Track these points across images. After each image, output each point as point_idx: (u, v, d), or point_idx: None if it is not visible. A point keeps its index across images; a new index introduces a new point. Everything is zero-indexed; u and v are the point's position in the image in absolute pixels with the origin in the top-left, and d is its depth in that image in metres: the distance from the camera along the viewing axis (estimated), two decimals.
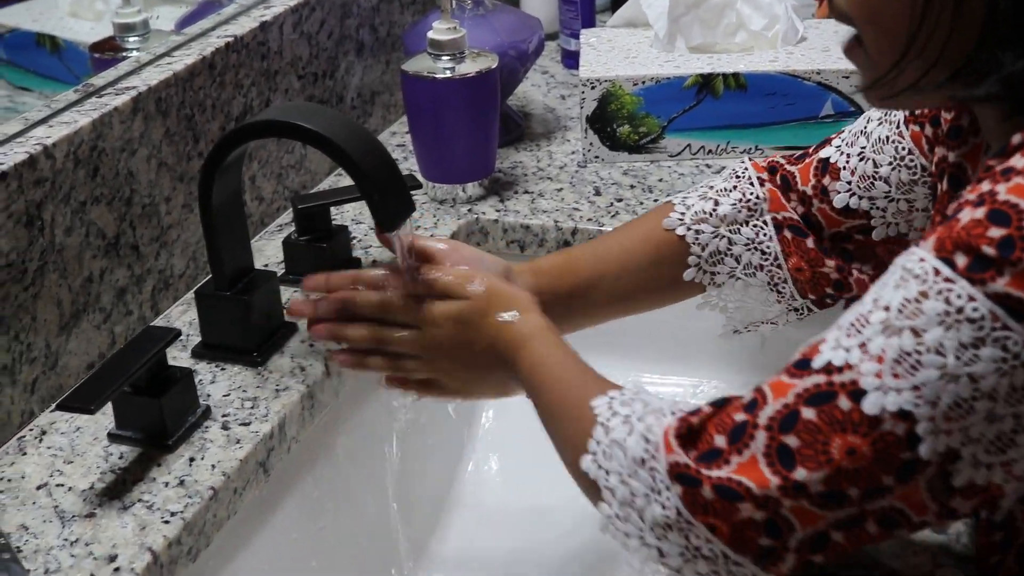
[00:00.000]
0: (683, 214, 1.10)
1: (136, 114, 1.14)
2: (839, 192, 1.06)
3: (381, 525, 1.20)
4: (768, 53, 1.48)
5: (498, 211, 1.37)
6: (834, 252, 1.08)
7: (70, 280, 1.08)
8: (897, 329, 0.69)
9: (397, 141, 1.56)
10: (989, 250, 0.67)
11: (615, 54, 1.51)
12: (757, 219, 1.09)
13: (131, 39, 1.32)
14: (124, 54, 1.29)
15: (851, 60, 0.83)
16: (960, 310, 0.67)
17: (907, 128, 1.02)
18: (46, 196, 1.04)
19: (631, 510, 0.79)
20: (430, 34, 1.34)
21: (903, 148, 1.03)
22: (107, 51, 1.32)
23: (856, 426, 0.70)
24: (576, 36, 1.70)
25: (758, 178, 1.10)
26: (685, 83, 1.44)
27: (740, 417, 0.75)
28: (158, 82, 1.17)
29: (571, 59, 1.75)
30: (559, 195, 1.40)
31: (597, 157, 1.48)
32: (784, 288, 1.09)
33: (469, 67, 1.33)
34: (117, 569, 0.88)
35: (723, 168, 1.19)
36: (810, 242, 1.08)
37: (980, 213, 0.68)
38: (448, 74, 1.33)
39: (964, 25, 0.74)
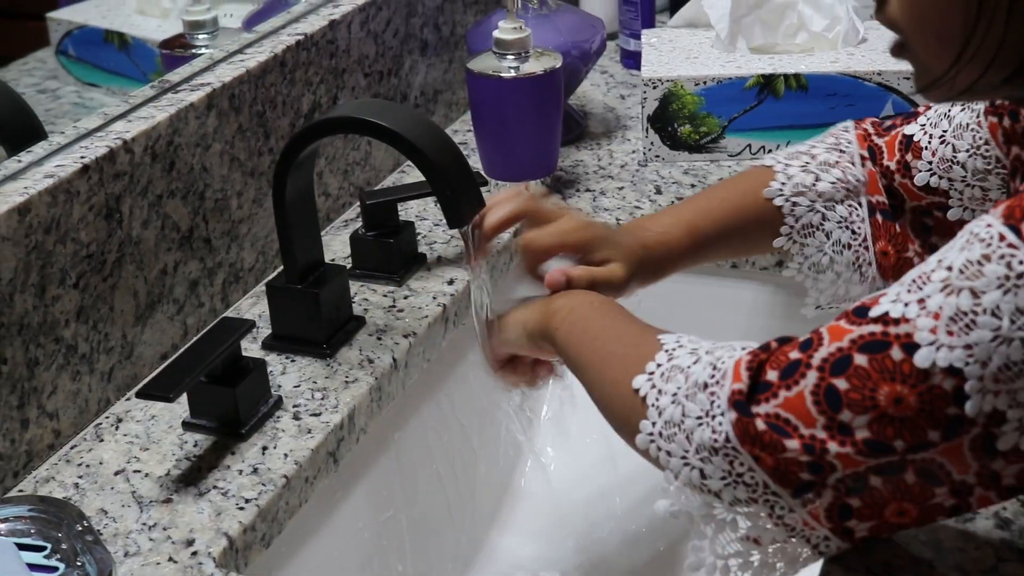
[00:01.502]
0: (783, 184, 1.11)
1: (210, 110, 1.16)
2: (920, 171, 1.08)
3: (444, 516, 1.22)
4: (829, 54, 1.49)
5: None
6: (915, 226, 1.10)
7: (146, 272, 1.10)
8: (956, 288, 0.71)
9: (459, 139, 1.58)
10: None
11: (676, 54, 1.52)
12: (853, 200, 1.11)
13: (200, 36, 1.34)
14: (193, 51, 1.31)
15: (902, 60, 0.84)
16: (1021, 275, 0.69)
17: (986, 119, 1.03)
18: (124, 189, 1.07)
19: (677, 430, 0.81)
20: (496, 33, 1.35)
21: (980, 138, 1.04)
22: (177, 48, 1.35)
23: (905, 377, 0.72)
24: (636, 36, 1.71)
25: (860, 156, 1.11)
26: (746, 83, 1.45)
27: (795, 355, 0.77)
28: (232, 79, 1.19)
29: (630, 59, 1.76)
30: (620, 194, 1.42)
31: (658, 156, 1.49)
32: (867, 270, 1.12)
33: (534, 66, 1.35)
34: (195, 553, 0.91)
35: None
36: (897, 226, 1.10)
37: None
38: (513, 73, 1.34)
39: (1018, 26, 0.74)
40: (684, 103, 1.46)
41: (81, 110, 1.42)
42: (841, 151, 1.12)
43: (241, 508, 0.95)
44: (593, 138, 1.57)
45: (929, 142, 1.07)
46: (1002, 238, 0.70)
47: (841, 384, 0.74)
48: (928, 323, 0.72)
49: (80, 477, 0.99)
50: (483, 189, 1.32)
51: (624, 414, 0.87)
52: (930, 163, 1.07)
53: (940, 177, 1.07)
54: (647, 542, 1.26)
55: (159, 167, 1.11)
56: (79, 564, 0.85)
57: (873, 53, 1.47)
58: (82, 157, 1.03)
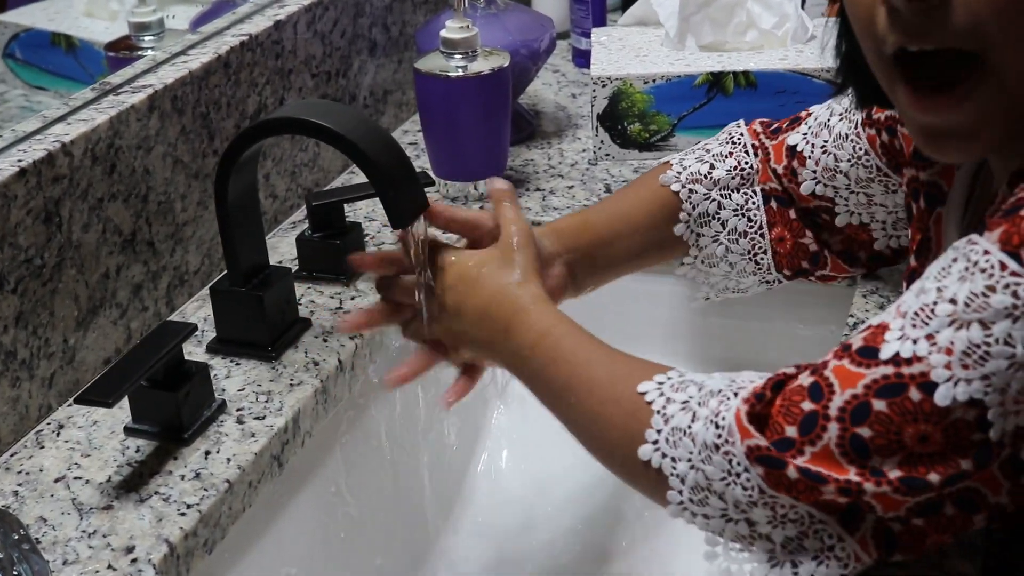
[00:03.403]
0: (679, 173, 1.13)
1: (152, 112, 1.15)
2: (805, 179, 1.10)
3: (393, 519, 1.22)
4: (778, 51, 1.49)
5: None
6: (806, 223, 1.11)
7: (87, 276, 1.09)
8: (965, 322, 0.71)
9: (409, 139, 1.57)
10: None
11: (626, 52, 1.52)
12: (748, 188, 1.12)
13: (146, 38, 1.33)
14: (139, 53, 1.30)
15: (944, 117, 0.76)
16: None
17: (864, 130, 1.06)
18: (64, 193, 1.05)
19: (707, 494, 0.79)
20: (443, 33, 1.35)
21: (860, 148, 1.06)
22: (122, 50, 1.34)
23: (928, 416, 0.72)
24: (587, 35, 1.71)
25: (752, 146, 1.13)
26: (695, 81, 1.45)
27: (808, 406, 0.76)
28: (174, 80, 1.18)
29: (582, 58, 1.76)
30: (570, 192, 1.41)
31: (608, 155, 1.49)
32: (762, 259, 1.13)
33: (481, 65, 1.34)
34: (134, 560, 0.90)
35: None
36: (793, 212, 1.11)
37: None
38: (460, 72, 1.34)
39: None
40: (633, 101, 1.46)
41: (29, 114, 1.40)
42: (734, 143, 1.14)
43: (183, 514, 0.94)
44: (544, 137, 1.56)
45: (812, 151, 1.09)
46: (1003, 267, 0.70)
47: (865, 432, 0.74)
48: (942, 359, 0.71)
49: (20, 485, 0.98)
50: (431, 189, 1.31)
51: (642, 484, 0.85)
52: (814, 172, 1.09)
53: (825, 185, 1.09)
54: (600, 541, 1.26)
55: (100, 170, 1.09)
56: (16, 573, 0.84)
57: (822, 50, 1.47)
58: (19, 160, 1.02)
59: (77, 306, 1.08)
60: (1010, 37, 0.71)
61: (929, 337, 0.72)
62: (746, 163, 1.12)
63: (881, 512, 0.74)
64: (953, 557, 0.85)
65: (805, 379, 0.77)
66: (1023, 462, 0.72)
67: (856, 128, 1.06)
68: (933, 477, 0.73)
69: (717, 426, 0.79)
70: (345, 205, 1.26)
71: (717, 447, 0.78)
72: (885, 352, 0.73)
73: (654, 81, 1.45)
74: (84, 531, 0.93)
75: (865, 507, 0.75)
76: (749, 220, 1.12)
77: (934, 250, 0.94)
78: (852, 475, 0.74)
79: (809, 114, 1.12)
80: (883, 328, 0.75)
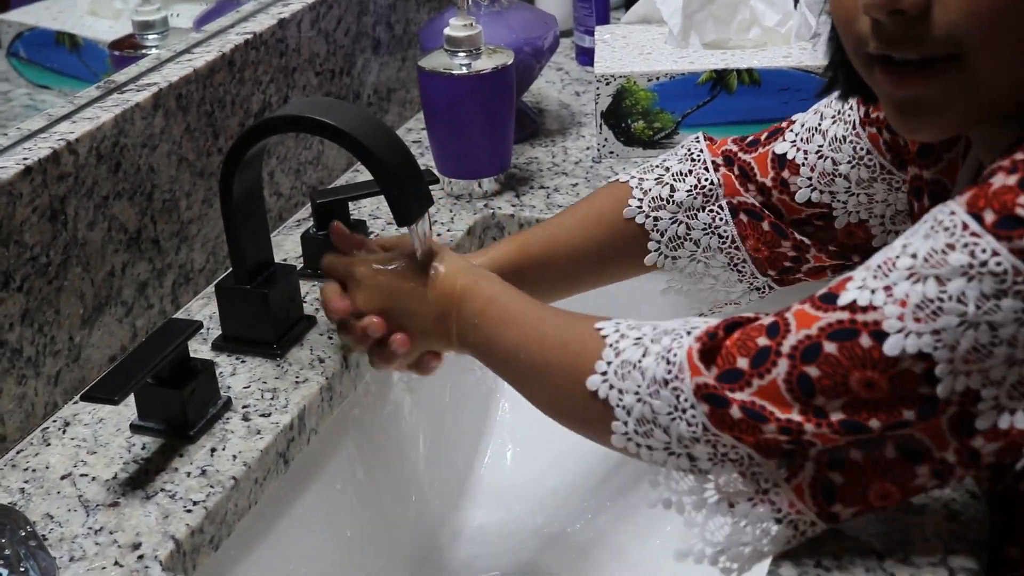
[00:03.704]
0: (641, 200, 1.12)
1: (157, 110, 1.15)
2: (800, 188, 1.09)
3: (399, 516, 1.22)
4: (781, 49, 1.49)
5: (514, 206, 1.38)
6: (795, 233, 1.11)
7: (92, 274, 1.09)
8: (922, 276, 0.73)
9: (413, 137, 1.57)
10: (1021, 212, 0.70)
11: (629, 50, 1.52)
12: (713, 204, 1.12)
13: (150, 37, 1.33)
14: (143, 52, 1.30)
15: (916, 90, 0.78)
16: (984, 263, 0.71)
17: (864, 129, 1.05)
18: (69, 191, 1.06)
19: (652, 426, 0.82)
20: (446, 31, 1.35)
21: (861, 148, 1.06)
22: (127, 49, 1.34)
23: (875, 363, 0.74)
24: (590, 33, 1.71)
25: (712, 163, 1.12)
26: (699, 79, 1.45)
27: (763, 341, 0.78)
28: (178, 79, 1.18)
29: (585, 56, 1.76)
30: (574, 190, 1.41)
31: (612, 152, 1.49)
32: (744, 268, 1.13)
33: (485, 63, 1.34)
34: (141, 557, 0.90)
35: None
36: (766, 225, 1.11)
37: (1013, 180, 0.71)
38: (464, 71, 1.34)
39: None
40: (637, 99, 1.46)
41: (32, 112, 1.40)
42: (693, 160, 1.13)
43: (189, 511, 0.94)
44: (548, 135, 1.56)
45: (806, 158, 1.08)
46: (965, 227, 0.72)
47: (812, 371, 0.76)
48: (895, 311, 0.73)
49: (26, 482, 0.98)
50: (435, 186, 1.32)
51: (587, 419, 0.87)
52: (810, 179, 1.08)
53: (821, 192, 1.08)
54: (607, 536, 1.26)
55: (105, 168, 1.09)
56: (22, 570, 0.84)
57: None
58: (25, 159, 1.02)
59: (83, 304, 1.09)
60: (986, 44, 0.74)
61: (887, 288, 0.74)
62: (706, 179, 1.11)
63: (821, 446, 0.76)
64: (957, 553, 0.85)
65: (767, 319, 0.80)
66: (974, 426, 0.74)
67: (855, 129, 1.06)
68: (874, 423, 0.75)
69: (668, 362, 0.81)
70: (350, 203, 1.26)
71: (666, 382, 0.81)
72: (843, 299, 0.76)
73: (658, 79, 1.45)
74: (90, 528, 0.93)
75: (806, 445, 0.77)
76: (720, 237, 1.12)
77: None
78: (794, 414, 0.76)
79: (792, 122, 1.11)
80: (847, 280, 0.77)
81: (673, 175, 1.12)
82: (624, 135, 1.48)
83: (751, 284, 1.14)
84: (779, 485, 0.80)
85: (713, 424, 0.79)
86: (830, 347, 0.75)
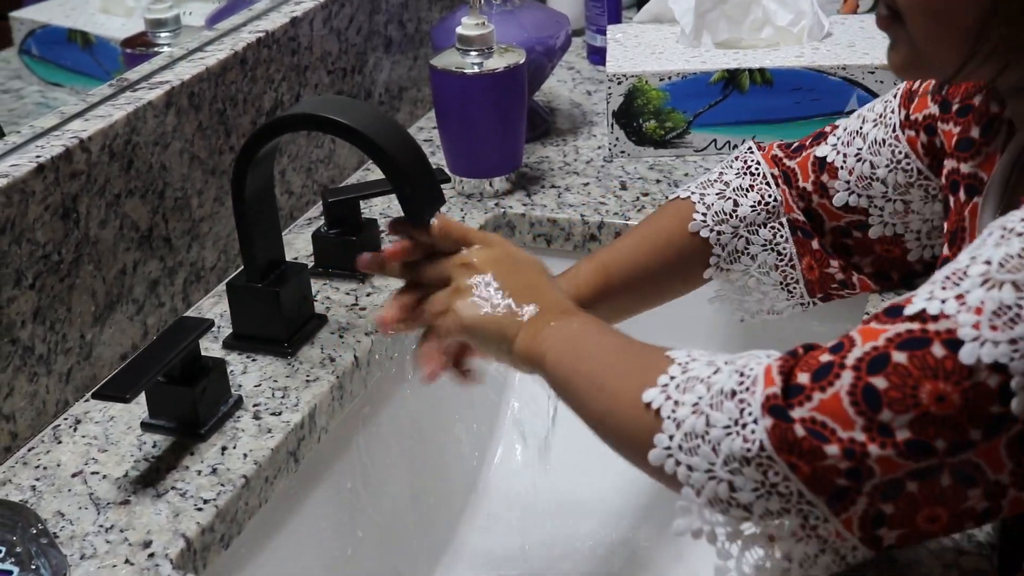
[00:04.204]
0: (704, 214, 1.11)
1: (169, 108, 1.15)
2: (838, 191, 1.08)
3: (409, 514, 1.22)
4: (794, 48, 1.48)
5: (525, 205, 1.38)
6: (835, 248, 1.10)
7: (104, 272, 1.09)
8: (998, 282, 0.69)
9: (424, 136, 1.57)
10: None
11: (641, 50, 1.52)
12: (774, 221, 1.11)
13: (162, 35, 1.33)
14: (156, 49, 1.31)
15: (885, 31, 0.83)
16: None
17: (903, 132, 1.04)
18: (82, 189, 1.06)
19: (701, 442, 0.77)
20: (459, 29, 1.35)
21: (900, 152, 1.05)
22: (139, 46, 1.34)
23: (948, 374, 0.69)
24: (602, 32, 1.71)
25: (772, 176, 1.11)
26: (711, 78, 1.45)
27: (826, 358, 0.74)
28: (191, 77, 1.18)
29: (597, 55, 1.76)
30: (585, 189, 1.41)
31: (623, 152, 1.49)
32: (795, 288, 1.12)
33: (497, 63, 1.34)
34: (151, 555, 0.90)
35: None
36: (815, 243, 1.10)
37: None
38: (476, 70, 1.34)
39: None
40: (649, 98, 1.46)
41: (45, 110, 1.41)
42: (752, 174, 1.12)
43: (199, 509, 0.94)
44: (559, 134, 1.56)
45: (844, 161, 1.08)
46: None
47: (880, 383, 0.71)
48: (970, 318, 0.69)
49: (37, 479, 0.99)
50: (447, 185, 1.31)
51: (631, 430, 0.82)
52: (847, 182, 1.07)
53: (859, 196, 1.07)
54: (619, 536, 1.26)
55: (117, 166, 1.10)
56: (33, 567, 0.84)
57: (838, 47, 1.47)
58: (37, 157, 1.02)
59: (94, 302, 1.09)
60: (911, 10, 0.79)
61: (959, 297, 0.70)
62: (769, 196, 1.10)
63: (880, 478, 0.72)
64: (969, 554, 0.85)
65: (832, 341, 0.76)
66: None
67: (894, 132, 1.05)
68: (940, 443, 0.70)
69: (742, 375, 0.77)
70: (361, 201, 1.26)
71: (734, 393, 0.76)
72: (910, 309, 0.72)
73: (669, 78, 1.45)
74: (101, 526, 0.93)
75: (864, 474, 0.72)
76: (779, 254, 1.11)
77: (967, 239, 0.93)
78: (857, 432, 0.71)
79: (835, 127, 1.10)
80: (914, 294, 0.74)
81: (734, 190, 1.11)
82: (636, 134, 1.48)
83: (798, 303, 1.14)
84: (828, 520, 0.75)
85: (773, 442, 0.74)
86: (899, 356, 0.71)
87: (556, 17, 1.54)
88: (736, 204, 1.11)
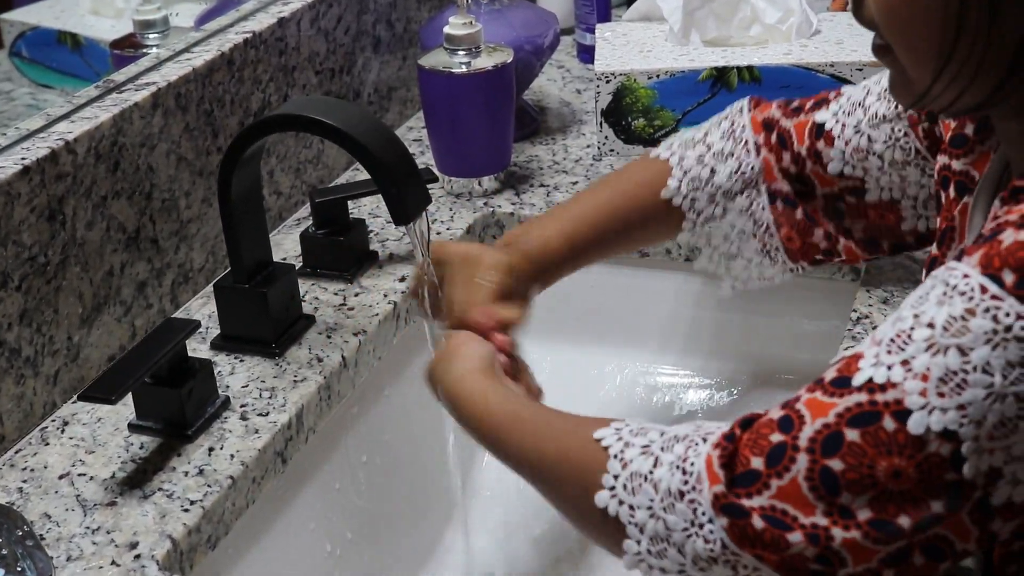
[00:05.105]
0: (680, 179, 1.10)
1: (156, 109, 1.15)
2: (832, 159, 1.07)
3: (396, 515, 1.22)
4: (782, 46, 1.48)
5: (514, 204, 1.38)
6: (827, 212, 1.09)
7: (91, 274, 1.09)
8: (943, 347, 0.68)
9: (414, 136, 1.57)
10: None
11: (630, 48, 1.52)
12: (751, 189, 1.10)
13: (151, 36, 1.33)
14: (144, 51, 1.31)
15: (881, 61, 0.82)
16: (1008, 328, 0.66)
17: (906, 111, 1.03)
18: (68, 190, 1.06)
19: (666, 545, 0.76)
20: (446, 29, 1.35)
21: (899, 130, 1.03)
22: (127, 48, 1.34)
23: (901, 448, 0.68)
24: (591, 31, 1.71)
25: (755, 143, 1.10)
26: (699, 76, 1.45)
27: (776, 438, 0.72)
28: (177, 78, 1.18)
29: (586, 53, 1.76)
30: (574, 188, 1.41)
31: (612, 150, 1.49)
32: (776, 255, 1.12)
33: (485, 62, 1.34)
34: (138, 556, 0.90)
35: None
36: (799, 213, 1.09)
37: None
38: (464, 69, 1.34)
39: (998, 43, 0.72)
40: (637, 97, 1.46)
41: (35, 112, 1.41)
42: (736, 139, 1.11)
43: (186, 510, 0.94)
44: (548, 133, 1.56)
45: (842, 131, 1.06)
46: (984, 290, 0.67)
47: (836, 465, 0.70)
48: (917, 386, 0.68)
49: (24, 481, 0.99)
50: (435, 185, 1.32)
51: (602, 533, 0.80)
52: (843, 152, 1.06)
53: (853, 167, 1.06)
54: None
55: (103, 167, 1.10)
56: (19, 569, 0.84)
57: (826, 45, 1.47)
58: (23, 159, 1.02)
59: (81, 303, 1.09)
60: (896, 40, 0.77)
61: (904, 363, 0.69)
62: (748, 165, 1.10)
63: (852, 566, 0.71)
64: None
65: (775, 413, 0.74)
66: (992, 507, 0.69)
67: (896, 110, 1.03)
68: (904, 521, 0.69)
69: (684, 472, 0.75)
70: (349, 202, 1.26)
71: (682, 494, 0.74)
72: (858, 379, 0.70)
73: (658, 76, 1.45)
74: (88, 527, 0.93)
75: (835, 561, 0.71)
76: (755, 222, 1.11)
77: (957, 240, 0.91)
78: (819, 516, 0.70)
79: (840, 94, 1.08)
80: (857, 357, 0.72)
81: (715, 155, 1.10)
82: (625, 133, 1.48)
83: (784, 268, 1.13)
84: None
85: (733, 540, 0.72)
86: (852, 434, 0.69)
87: (544, 16, 1.54)
88: (713, 172, 1.10)
